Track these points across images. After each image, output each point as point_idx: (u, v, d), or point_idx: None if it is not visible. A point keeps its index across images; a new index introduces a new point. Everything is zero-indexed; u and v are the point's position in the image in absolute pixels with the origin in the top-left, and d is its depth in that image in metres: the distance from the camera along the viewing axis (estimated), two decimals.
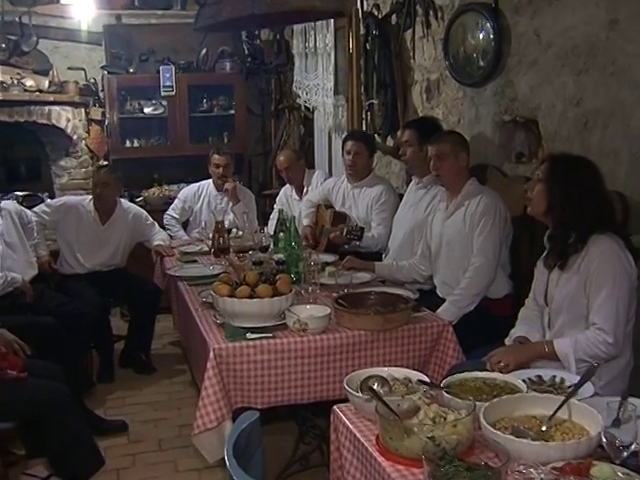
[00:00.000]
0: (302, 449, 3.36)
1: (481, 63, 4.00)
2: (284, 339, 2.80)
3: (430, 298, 3.53)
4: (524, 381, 2.20)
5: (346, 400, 2.14)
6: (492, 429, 1.73)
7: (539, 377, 2.28)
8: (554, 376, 2.27)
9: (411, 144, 4.06)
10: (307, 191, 5.36)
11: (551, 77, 3.49)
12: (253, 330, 2.83)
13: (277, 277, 2.97)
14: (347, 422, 2.06)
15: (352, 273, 3.53)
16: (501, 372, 2.40)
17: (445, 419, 1.82)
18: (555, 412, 1.83)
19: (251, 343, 2.76)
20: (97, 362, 4.80)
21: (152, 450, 3.81)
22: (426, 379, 2.12)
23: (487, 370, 2.48)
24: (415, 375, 2.17)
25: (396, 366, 2.85)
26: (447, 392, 1.99)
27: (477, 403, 1.86)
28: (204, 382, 2.70)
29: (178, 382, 4.73)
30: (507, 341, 2.83)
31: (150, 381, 4.76)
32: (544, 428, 1.79)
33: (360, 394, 2.03)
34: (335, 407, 2.15)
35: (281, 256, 3.59)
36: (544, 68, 3.54)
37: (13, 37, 6.25)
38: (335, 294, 3.30)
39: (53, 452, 3.11)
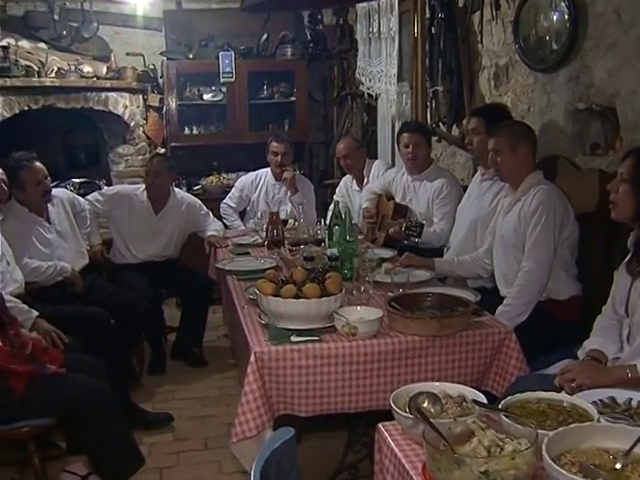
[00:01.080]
0: (351, 457, 3.18)
1: (554, 46, 3.71)
2: (331, 343, 2.60)
3: (493, 298, 3.27)
4: (595, 403, 1.95)
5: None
6: (556, 466, 1.49)
7: (612, 399, 2.01)
8: (630, 399, 2.00)
9: (478, 132, 3.80)
10: (367, 182, 5.16)
11: (633, 60, 3.18)
12: (298, 332, 2.63)
13: (327, 276, 2.78)
14: (392, 444, 1.85)
15: (410, 271, 3.28)
16: (573, 393, 2.15)
17: (502, 449, 1.59)
18: (633, 447, 1.57)
19: (295, 347, 2.56)
20: (149, 354, 4.71)
21: (197, 449, 3.68)
22: (483, 398, 1.89)
23: (555, 387, 2.26)
24: (471, 393, 1.94)
25: (452, 377, 2.70)
26: (506, 416, 1.76)
27: (540, 431, 1.63)
28: (244, 387, 2.52)
29: (229, 377, 4.59)
30: (580, 354, 2.57)
31: (201, 375, 4.65)
32: (618, 466, 1.54)
33: (407, 414, 1.82)
34: (380, 425, 1.95)
35: (334, 251, 3.40)
36: (625, 51, 3.23)
37: (74, 24, 6.25)
38: (390, 293, 3.10)
39: (92, 450, 3.01)
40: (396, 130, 6.04)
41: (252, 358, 2.51)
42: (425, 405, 1.87)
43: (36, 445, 2.90)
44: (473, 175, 4.69)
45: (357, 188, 5.25)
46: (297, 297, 2.64)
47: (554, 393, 1.97)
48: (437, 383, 2.02)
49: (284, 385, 2.57)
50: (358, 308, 2.79)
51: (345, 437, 3.23)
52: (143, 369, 4.60)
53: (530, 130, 3.35)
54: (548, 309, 3.12)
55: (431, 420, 1.72)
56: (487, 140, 3.64)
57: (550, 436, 1.60)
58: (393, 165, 5.55)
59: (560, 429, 1.65)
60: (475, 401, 1.86)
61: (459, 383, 2.64)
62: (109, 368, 3.31)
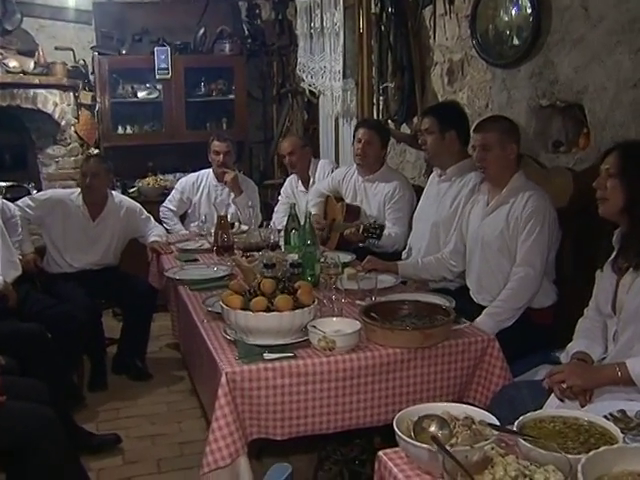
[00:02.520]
0: (321, 476, 3.00)
1: (515, 41, 3.62)
2: (307, 359, 2.40)
3: (461, 302, 3.13)
4: (606, 418, 1.82)
5: (386, 434, 1.75)
6: None
7: (623, 413, 1.89)
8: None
9: (432, 132, 3.67)
10: (313, 182, 5.00)
11: (602, 56, 3.10)
12: (271, 349, 2.43)
13: (296, 285, 2.58)
14: (399, 475, 1.67)
15: (375, 275, 3.11)
16: (563, 395, 2.14)
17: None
18: None
19: (269, 365, 2.35)
20: (88, 368, 4.41)
21: (150, 472, 3.43)
22: (493, 419, 1.73)
23: (544, 392, 2.17)
24: (478, 413, 1.78)
25: (434, 389, 2.57)
26: (525, 439, 1.60)
27: (568, 456, 1.48)
28: (215, 412, 2.29)
29: (177, 391, 4.35)
30: (563, 357, 2.48)
31: (146, 389, 4.37)
32: None
33: (416, 442, 1.64)
34: (381, 453, 1.76)
35: (295, 257, 3.21)
36: (593, 46, 3.15)
37: None
38: (359, 302, 2.94)
39: None
40: (340, 128, 5.94)
41: (223, 379, 2.29)
42: (432, 429, 1.70)
43: None
44: (424, 174, 4.60)
45: (303, 189, 5.09)
46: (268, 310, 2.43)
47: (567, 410, 1.84)
48: (440, 404, 1.84)
49: (258, 407, 2.36)
50: (334, 319, 2.60)
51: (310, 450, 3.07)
52: (83, 385, 4.30)
53: (517, 127, 3.22)
54: (524, 313, 3.00)
55: (448, 448, 1.55)
56: (441, 140, 3.57)
57: (583, 463, 1.46)
58: (338, 165, 5.39)
59: (591, 454, 1.50)
60: (488, 424, 1.70)
61: (442, 396, 2.55)
62: (50, 390, 3.03)
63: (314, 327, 2.46)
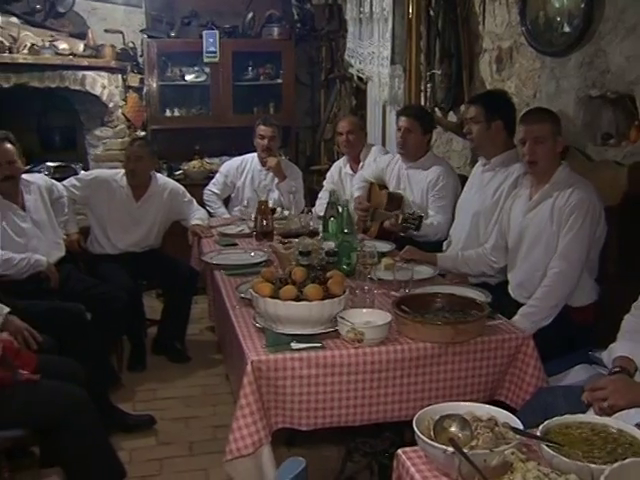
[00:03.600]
0: (350, 468, 2.96)
1: (566, 29, 3.49)
2: (335, 351, 2.36)
3: (500, 298, 3.05)
4: (638, 426, 1.74)
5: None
6: None
7: None
8: None
9: (477, 121, 3.58)
10: (363, 166, 4.92)
11: None
12: (299, 338, 2.40)
13: (328, 275, 2.54)
14: (416, 475, 1.62)
15: (412, 266, 3.05)
16: (604, 413, 1.96)
17: None
18: None
19: (296, 355, 2.33)
20: (128, 349, 4.46)
21: (182, 455, 3.44)
22: (517, 423, 1.67)
23: (582, 402, 2.05)
24: (503, 415, 1.72)
25: (465, 386, 2.50)
26: (549, 446, 1.54)
27: (592, 466, 1.42)
28: (239, 400, 2.28)
29: (214, 374, 4.35)
30: (606, 358, 2.36)
31: (184, 371, 4.39)
32: None
33: (434, 442, 1.59)
34: (400, 452, 1.72)
35: (332, 245, 3.17)
36: None
37: None
38: (393, 292, 2.89)
39: (68, 464, 2.74)
40: (387, 115, 5.86)
41: (248, 368, 2.27)
42: (453, 430, 1.65)
43: (6, 458, 2.65)
44: (471, 163, 4.50)
45: (350, 172, 5.01)
46: (297, 299, 2.40)
47: (595, 416, 1.77)
48: (463, 403, 1.79)
49: (284, 397, 2.34)
50: (364, 311, 2.56)
51: (341, 441, 3.05)
52: (122, 365, 4.35)
53: (558, 118, 3.11)
54: (563, 311, 2.90)
55: (465, 451, 1.50)
56: (487, 129, 3.48)
57: (606, 474, 1.39)
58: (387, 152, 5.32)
59: (616, 465, 1.43)
60: (511, 427, 1.64)
61: (473, 393, 2.49)
62: (87, 369, 3.05)
63: (343, 318, 2.42)
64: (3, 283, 3.63)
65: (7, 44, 4.96)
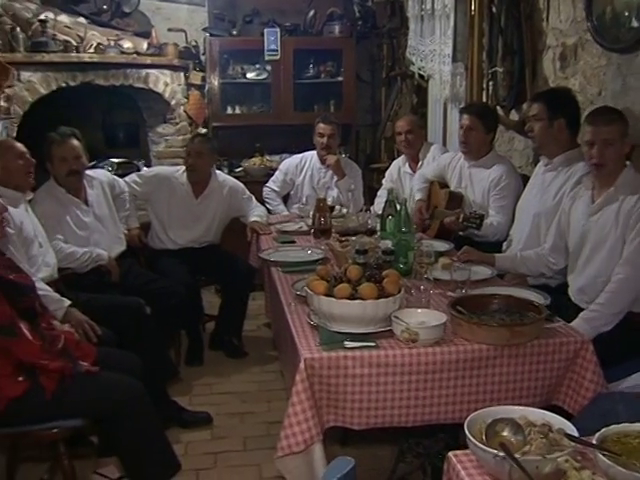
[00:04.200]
0: (402, 468, 2.94)
1: (634, 24, 3.37)
2: (389, 350, 2.35)
3: (559, 300, 2.99)
4: None
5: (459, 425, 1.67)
6: None
7: None
8: None
9: (540, 119, 3.51)
10: (422, 164, 4.89)
11: None
12: (352, 337, 2.39)
13: (384, 274, 2.53)
14: (466, 479, 1.60)
15: (470, 267, 3.02)
16: None
17: None
18: None
19: (350, 353, 2.32)
20: (186, 343, 4.52)
21: (236, 450, 3.48)
22: (573, 430, 1.63)
23: None
24: (557, 421, 1.68)
25: (521, 389, 2.45)
26: (605, 455, 1.50)
27: None
28: (291, 397, 2.29)
29: (269, 370, 4.38)
30: None
31: (240, 367, 4.44)
32: None
33: (485, 446, 1.57)
34: (451, 455, 1.70)
35: (389, 244, 3.15)
36: None
37: None
38: (450, 293, 2.86)
39: (124, 454, 2.80)
40: (448, 113, 5.80)
41: (301, 365, 2.28)
42: (505, 434, 1.62)
43: (66, 446, 2.71)
44: (532, 163, 4.41)
45: (410, 171, 4.98)
46: (352, 297, 2.40)
47: None
48: (517, 407, 1.76)
49: (336, 395, 2.34)
50: (419, 310, 2.54)
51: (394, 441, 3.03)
52: (180, 359, 4.42)
53: (626, 118, 3.02)
54: (625, 317, 2.81)
55: (517, 457, 1.47)
56: (549, 127, 3.41)
57: None
58: (447, 151, 5.27)
59: None
60: (566, 434, 1.60)
61: (528, 397, 2.44)
62: (145, 363, 3.11)
63: (398, 317, 2.40)
64: (66, 276, 3.73)
65: (74, 44, 5.07)
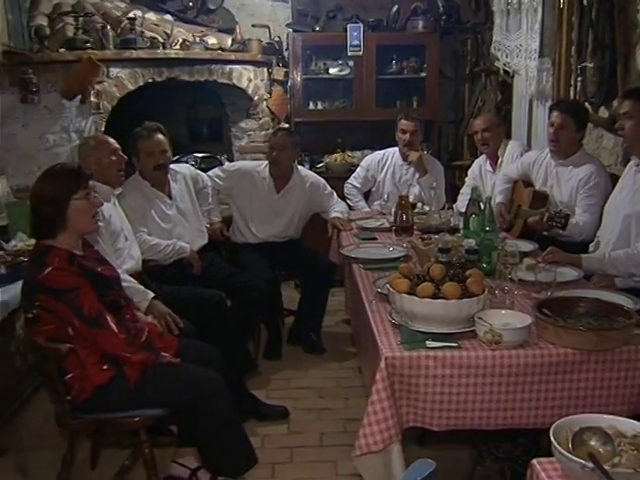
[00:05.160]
0: (480, 472, 2.89)
1: None
2: (471, 351, 2.31)
3: None
4: None
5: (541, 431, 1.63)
6: None
7: None
8: None
9: (631, 116, 3.36)
10: (501, 162, 4.79)
11: None
12: (434, 337, 2.37)
13: (467, 273, 2.49)
14: None
15: (555, 268, 2.94)
16: None
17: None
18: None
19: (431, 353, 2.30)
20: (265, 337, 4.56)
21: (312, 445, 3.48)
22: None
23: None
24: None
25: (607, 397, 2.36)
26: None
27: None
28: (371, 396, 2.27)
29: (347, 367, 4.37)
30: None
31: (318, 363, 4.45)
32: None
33: (572, 455, 1.52)
34: (535, 462, 1.66)
35: (472, 242, 3.10)
36: None
37: None
38: (534, 294, 2.79)
39: (203, 445, 2.86)
40: (534, 110, 5.66)
41: (382, 364, 2.27)
42: (593, 444, 1.57)
43: (147, 434, 2.78)
44: (622, 162, 4.27)
45: (490, 169, 4.90)
46: (435, 297, 2.37)
47: None
48: (606, 416, 1.69)
49: (416, 395, 2.32)
50: (502, 312, 2.49)
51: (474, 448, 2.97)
52: (259, 353, 4.46)
53: None
54: None
55: (607, 468, 1.42)
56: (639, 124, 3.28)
57: None
58: (529, 148, 5.15)
59: None
60: None
61: (616, 405, 2.36)
62: (225, 355, 3.15)
63: (481, 318, 2.36)
64: (149, 268, 3.82)
65: (161, 40, 5.18)
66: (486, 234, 3.16)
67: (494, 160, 4.88)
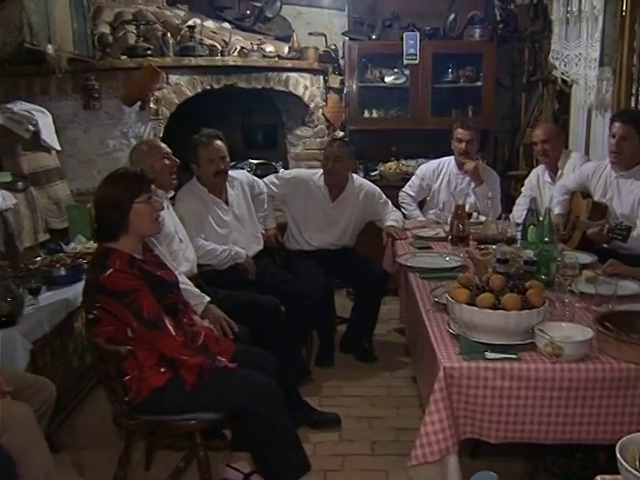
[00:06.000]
0: None
1: None
2: (531, 364, 2.28)
3: None
4: None
5: (614, 453, 1.58)
6: None
7: None
8: None
9: None
10: (561, 174, 4.73)
11: None
12: (493, 348, 2.35)
13: (527, 284, 2.46)
14: None
15: (616, 281, 2.88)
16: None
17: None
18: None
19: (490, 365, 2.28)
20: (317, 344, 4.57)
21: (364, 453, 3.47)
22: None
23: None
24: None
25: None
26: None
27: None
28: (429, 406, 2.26)
29: (400, 376, 4.35)
30: None
31: (370, 371, 4.43)
32: None
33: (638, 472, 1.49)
34: (599, 479, 1.62)
35: (530, 253, 3.07)
36: None
37: (258, 4, 6.25)
38: (595, 307, 2.75)
39: (256, 450, 2.87)
40: (592, 120, 5.57)
41: (441, 374, 2.26)
42: None
43: (202, 438, 2.81)
44: None
45: (549, 180, 4.83)
46: (495, 307, 2.35)
47: None
48: None
49: (474, 406, 2.30)
50: (563, 324, 2.45)
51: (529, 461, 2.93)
52: (311, 360, 4.47)
53: None
54: None
55: None
56: None
57: None
58: (589, 158, 5.06)
59: None
60: None
61: None
62: (279, 361, 3.17)
63: (541, 330, 2.33)
64: (205, 272, 3.87)
65: (219, 48, 5.25)
66: (545, 245, 3.12)
67: (553, 171, 4.81)
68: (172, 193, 3.94)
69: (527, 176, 5.18)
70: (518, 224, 3.79)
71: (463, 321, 2.42)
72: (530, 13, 6.31)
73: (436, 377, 2.27)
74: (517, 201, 5.02)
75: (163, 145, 3.73)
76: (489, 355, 2.32)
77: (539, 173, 4.95)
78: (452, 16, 6.30)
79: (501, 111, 6.71)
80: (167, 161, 3.65)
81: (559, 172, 4.75)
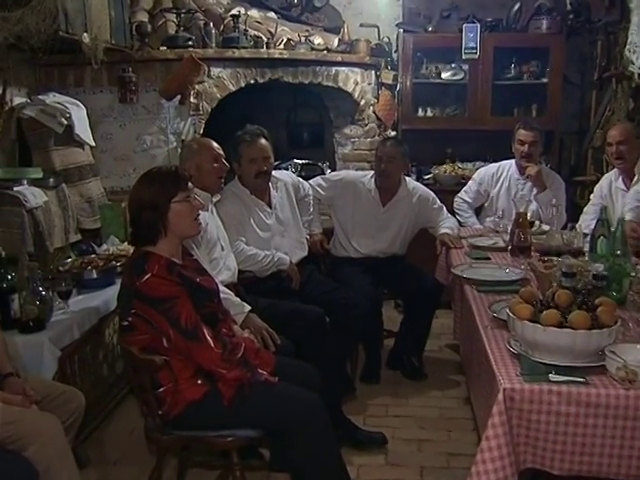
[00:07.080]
0: None
1: None
2: (601, 389, 2.23)
3: None
4: None
5: None
6: None
7: None
8: None
9: None
10: (637, 180, 4.62)
11: None
12: (558, 370, 2.30)
13: (598, 301, 2.41)
14: None
15: None
16: None
17: None
18: None
19: (555, 388, 2.23)
20: (362, 358, 4.55)
21: (412, 479, 3.43)
22: None
23: None
24: None
25: None
26: None
27: None
28: (487, 430, 2.22)
29: (452, 396, 4.31)
30: None
31: (419, 390, 4.40)
32: None
33: None
34: None
35: (600, 267, 3.01)
36: None
37: None
38: None
39: (297, 471, 2.84)
40: None
41: (500, 396, 2.22)
42: None
43: (239, 456, 2.81)
44: None
45: (623, 187, 4.71)
46: (561, 325, 2.30)
47: None
48: None
49: (536, 433, 2.25)
50: (638, 347, 2.39)
51: None
52: (356, 375, 4.46)
53: None
54: None
55: None
56: None
57: None
58: None
59: None
60: None
61: None
62: (322, 376, 3.15)
63: (613, 352, 2.28)
64: (246, 279, 3.88)
65: (265, 39, 5.26)
66: (616, 259, 3.06)
67: (629, 177, 4.68)
68: (218, 197, 3.96)
69: (595, 182, 5.10)
70: (586, 235, 3.73)
71: (525, 339, 2.38)
72: (605, 1, 6.18)
73: (495, 400, 2.23)
74: (585, 209, 4.92)
75: (216, 146, 3.74)
76: (553, 377, 2.27)
77: (611, 179, 4.84)
78: (517, 6, 6.21)
79: (568, 111, 6.59)
80: (216, 164, 3.68)
81: (635, 177, 4.65)
